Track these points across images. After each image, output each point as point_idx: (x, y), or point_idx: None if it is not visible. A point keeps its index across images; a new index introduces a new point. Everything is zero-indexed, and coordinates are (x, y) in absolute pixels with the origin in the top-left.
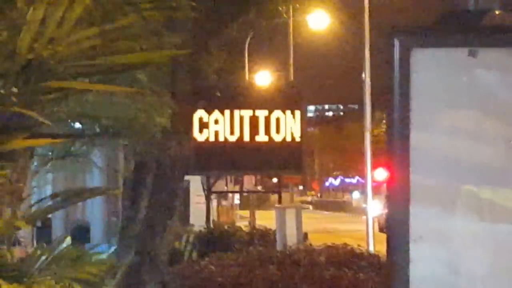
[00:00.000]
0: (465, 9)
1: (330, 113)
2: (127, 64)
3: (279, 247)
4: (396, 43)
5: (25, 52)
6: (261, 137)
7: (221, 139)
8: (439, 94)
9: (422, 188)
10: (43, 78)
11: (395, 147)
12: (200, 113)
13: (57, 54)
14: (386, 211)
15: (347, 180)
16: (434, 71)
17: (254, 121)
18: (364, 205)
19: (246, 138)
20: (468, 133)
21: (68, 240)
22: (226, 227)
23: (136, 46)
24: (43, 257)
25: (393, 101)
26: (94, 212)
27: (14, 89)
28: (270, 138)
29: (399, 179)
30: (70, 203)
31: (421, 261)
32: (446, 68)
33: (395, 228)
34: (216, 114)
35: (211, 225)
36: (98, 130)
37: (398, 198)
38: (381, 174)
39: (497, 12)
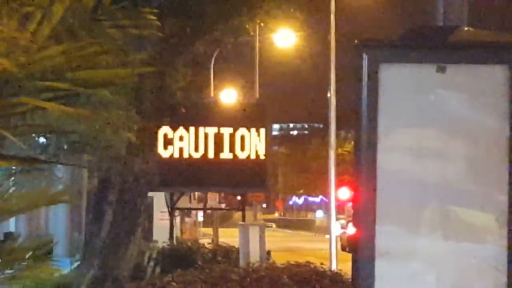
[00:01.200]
0: (434, 25)
1: (295, 132)
2: (93, 80)
3: (242, 264)
4: (365, 57)
5: None
6: (226, 154)
7: (185, 155)
8: (407, 112)
9: (388, 206)
10: (12, 93)
11: (362, 165)
12: (165, 130)
13: (26, 71)
14: (348, 230)
15: (311, 199)
16: (402, 88)
17: (218, 138)
18: (330, 224)
19: (211, 155)
20: (435, 153)
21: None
22: (189, 243)
23: (102, 63)
24: (3, 269)
25: (361, 117)
26: (57, 227)
27: None
28: (235, 156)
29: (365, 197)
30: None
31: (386, 278)
32: (414, 85)
33: (361, 245)
34: (181, 130)
35: (174, 242)
36: (63, 145)
37: (364, 216)
38: (345, 193)
39: (465, 29)
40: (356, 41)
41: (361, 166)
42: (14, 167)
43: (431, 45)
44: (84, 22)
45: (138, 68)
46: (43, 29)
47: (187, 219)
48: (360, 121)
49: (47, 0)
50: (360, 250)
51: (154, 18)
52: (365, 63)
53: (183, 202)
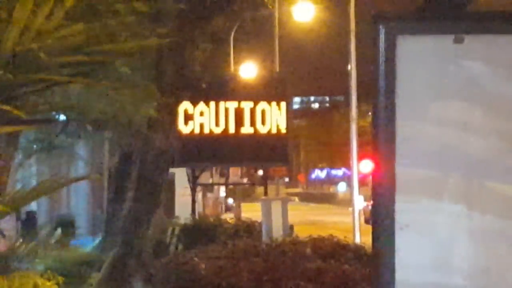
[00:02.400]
0: None
1: (316, 105)
2: (112, 53)
3: (265, 239)
4: (382, 30)
5: (12, 44)
6: (247, 129)
7: (206, 131)
8: (426, 83)
9: (408, 178)
10: (30, 70)
11: (380, 137)
12: (185, 105)
13: (45, 47)
14: (371, 202)
15: (333, 172)
16: (420, 59)
17: (239, 113)
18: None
19: (232, 130)
20: (455, 123)
21: (58, 231)
22: (211, 219)
23: (120, 37)
24: (26, 248)
25: (379, 90)
26: (79, 205)
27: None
28: (256, 130)
29: (385, 169)
30: (53, 190)
31: (407, 250)
32: (432, 56)
33: (381, 217)
34: (201, 106)
35: (197, 217)
36: (83, 122)
37: (384, 188)
38: (367, 165)
39: None
40: (372, 13)
41: (380, 138)
42: (34, 146)
43: (448, 15)
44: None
45: (156, 40)
46: (58, 10)
47: (209, 195)
48: (377, 93)
49: None
50: (380, 222)
51: None
52: (382, 35)
53: (204, 178)
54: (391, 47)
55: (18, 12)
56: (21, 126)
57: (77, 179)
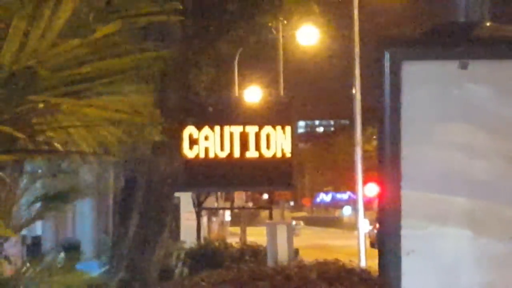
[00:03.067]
0: (456, 21)
1: (321, 129)
2: (114, 70)
3: (270, 263)
4: (387, 55)
5: (9, 62)
6: (252, 153)
7: (211, 155)
8: (431, 107)
9: (413, 202)
10: (30, 89)
11: (386, 161)
12: (190, 129)
13: (43, 64)
14: (376, 226)
15: (338, 195)
16: (425, 84)
17: (244, 137)
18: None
19: (237, 154)
20: (460, 147)
21: (62, 255)
22: (216, 243)
23: (121, 53)
24: (33, 272)
25: (384, 114)
26: (84, 229)
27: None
28: (261, 154)
29: (390, 193)
30: (57, 208)
31: (413, 275)
32: (437, 81)
33: (387, 242)
34: (206, 130)
35: (202, 242)
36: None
37: (389, 212)
38: (372, 189)
39: (487, 24)
40: (378, 38)
41: (386, 162)
42: (40, 170)
43: (453, 41)
44: (100, 14)
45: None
46: (54, 25)
47: (214, 219)
48: (383, 118)
49: None
50: (386, 248)
51: (178, 5)
52: (387, 60)
53: (210, 202)
54: (396, 72)
55: (15, 28)
56: (24, 154)
57: (82, 196)
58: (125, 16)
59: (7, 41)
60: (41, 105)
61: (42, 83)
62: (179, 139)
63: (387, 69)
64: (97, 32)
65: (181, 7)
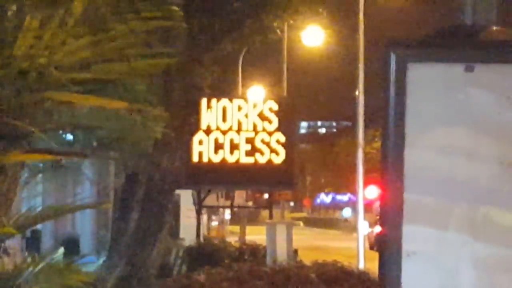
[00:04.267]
0: (462, 24)
1: (323, 130)
2: (120, 72)
3: (269, 263)
4: (393, 56)
5: (21, 59)
6: (253, 153)
7: (212, 154)
8: (435, 111)
9: (415, 206)
10: (40, 86)
11: (389, 164)
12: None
13: (53, 62)
14: (375, 228)
15: (339, 197)
16: (430, 87)
17: (247, 137)
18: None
19: (239, 153)
20: (463, 152)
21: (61, 251)
22: (216, 242)
23: (128, 56)
24: (32, 268)
25: (388, 116)
26: (84, 224)
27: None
28: (262, 154)
29: (393, 196)
30: (59, 215)
31: (413, 277)
32: (442, 84)
33: (388, 244)
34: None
35: (201, 240)
36: (90, 142)
37: (391, 215)
38: (373, 191)
39: (494, 28)
40: (383, 40)
41: (388, 165)
42: (41, 164)
43: (459, 44)
44: (107, 16)
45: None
46: (65, 25)
47: (214, 217)
48: (387, 120)
49: None
50: (387, 250)
51: (177, 9)
52: (392, 62)
53: (210, 200)
54: (401, 74)
55: (28, 26)
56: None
57: (84, 207)
58: (132, 19)
59: (20, 38)
60: (47, 103)
61: (52, 81)
62: (182, 136)
63: (392, 71)
64: (106, 33)
65: (182, 13)
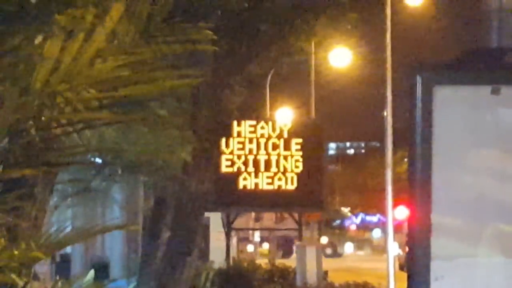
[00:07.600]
0: (488, 46)
1: (351, 151)
2: (146, 94)
3: (299, 284)
4: (419, 80)
5: (40, 86)
6: (283, 174)
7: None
8: (462, 132)
9: (444, 227)
10: (60, 111)
11: (417, 184)
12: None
13: (73, 88)
14: (405, 249)
15: (368, 218)
16: (456, 109)
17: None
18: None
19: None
20: (492, 172)
21: (91, 275)
22: (245, 264)
23: (155, 78)
24: None
25: (415, 138)
26: (114, 248)
27: (31, 123)
28: (292, 175)
29: (420, 217)
30: (88, 237)
31: None
32: (469, 106)
33: (416, 266)
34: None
35: (231, 262)
36: (118, 166)
37: (419, 236)
38: (402, 212)
39: None
40: (410, 62)
41: (416, 186)
42: (70, 188)
43: (485, 67)
44: (136, 39)
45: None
46: (88, 47)
47: (244, 239)
48: (414, 142)
49: (93, 18)
50: (415, 273)
51: (210, 32)
52: (419, 84)
53: (239, 223)
54: (428, 97)
55: (48, 51)
56: (58, 167)
57: (113, 228)
58: (162, 43)
59: (39, 65)
60: (77, 126)
61: (72, 106)
62: (210, 159)
63: (419, 93)
64: (132, 56)
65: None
